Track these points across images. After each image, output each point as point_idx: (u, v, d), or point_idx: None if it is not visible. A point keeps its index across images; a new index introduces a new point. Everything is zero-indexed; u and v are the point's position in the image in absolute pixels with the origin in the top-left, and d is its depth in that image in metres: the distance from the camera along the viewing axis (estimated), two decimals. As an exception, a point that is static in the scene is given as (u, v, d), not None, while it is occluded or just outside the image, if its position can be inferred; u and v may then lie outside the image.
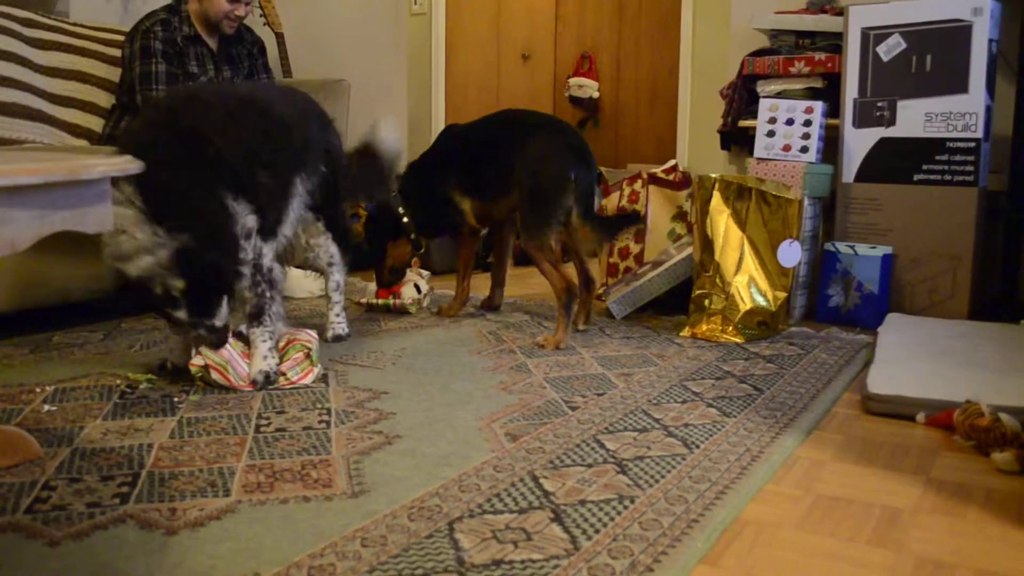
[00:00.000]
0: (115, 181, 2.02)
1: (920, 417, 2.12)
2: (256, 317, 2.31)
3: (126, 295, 2.11)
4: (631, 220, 3.08)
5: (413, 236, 3.19)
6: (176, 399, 2.16)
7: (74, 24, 3.54)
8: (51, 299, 2.85)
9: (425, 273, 3.41)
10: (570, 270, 2.88)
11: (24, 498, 1.58)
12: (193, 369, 2.24)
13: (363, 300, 3.33)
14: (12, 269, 2.69)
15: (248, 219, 2.23)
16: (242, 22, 3.55)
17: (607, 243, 3.12)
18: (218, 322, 2.16)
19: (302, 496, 1.60)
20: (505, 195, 2.93)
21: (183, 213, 2.07)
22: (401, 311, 3.24)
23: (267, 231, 2.33)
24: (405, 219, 3.16)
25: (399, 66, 4.84)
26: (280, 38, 4.37)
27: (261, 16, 4.53)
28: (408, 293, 3.27)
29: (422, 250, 3.28)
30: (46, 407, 2.09)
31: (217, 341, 2.19)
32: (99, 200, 1.57)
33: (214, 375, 2.23)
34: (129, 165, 1.64)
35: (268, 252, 2.35)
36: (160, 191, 2.05)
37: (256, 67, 3.55)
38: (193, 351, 2.25)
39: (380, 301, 3.25)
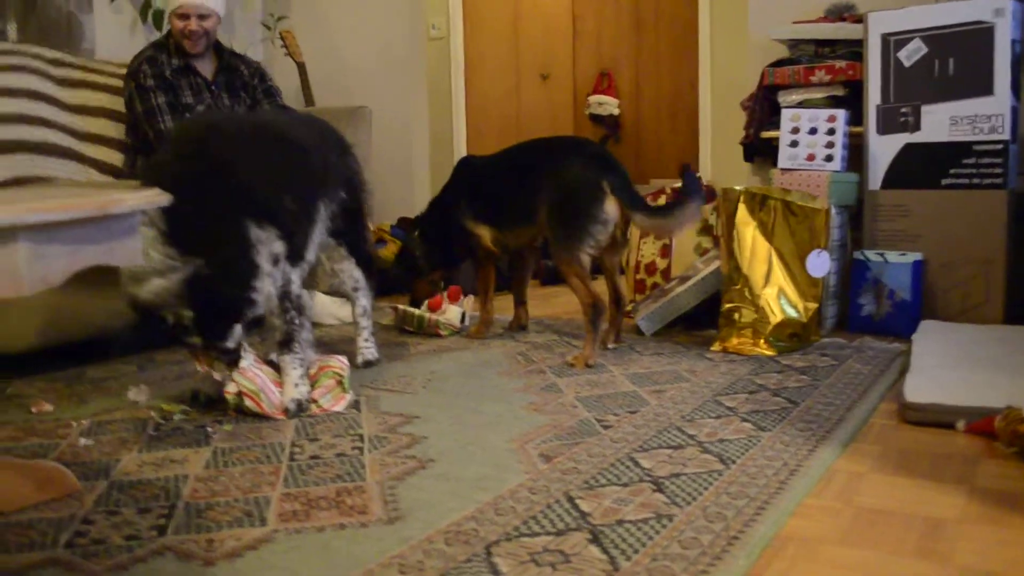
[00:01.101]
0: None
1: (960, 425, 2.08)
2: (286, 344, 2.32)
3: (140, 325, 2.12)
4: (689, 192, 2.74)
5: (430, 278, 3.29)
6: (210, 429, 2.17)
7: (100, 62, 3.59)
8: (85, 333, 2.88)
9: (465, 300, 3.43)
10: (600, 287, 2.87)
11: (63, 532, 1.58)
12: (228, 397, 2.25)
13: (398, 306, 3.35)
14: (46, 304, 2.72)
15: (275, 245, 2.25)
16: (240, 54, 3.56)
17: (675, 230, 2.93)
18: (230, 344, 2.17)
19: (338, 523, 1.60)
20: (526, 225, 2.94)
21: (200, 240, 2.09)
22: (432, 331, 3.25)
23: (294, 256, 2.35)
24: (420, 261, 3.26)
25: (419, 90, 4.87)
26: (301, 68, 4.42)
27: (282, 47, 4.59)
28: (453, 315, 3.29)
29: (442, 288, 3.34)
30: (82, 441, 2.10)
31: (228, 361, 2.21)
32: (128, 234, 1.58)
33: (247, 402, 2.25)
34: (158, 198, 1.65)
35: (296, 279, 2.37)
36: (183, 217, 2.06)
37: (257, 95, 3.53)
38: (226, 379, 2.26)
39: (430, 315, 3.25)
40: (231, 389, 2.25)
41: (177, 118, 3.23)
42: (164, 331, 2.12)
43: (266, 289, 2.26)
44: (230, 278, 2.13)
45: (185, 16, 3.28)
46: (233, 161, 2.24)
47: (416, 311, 3.28)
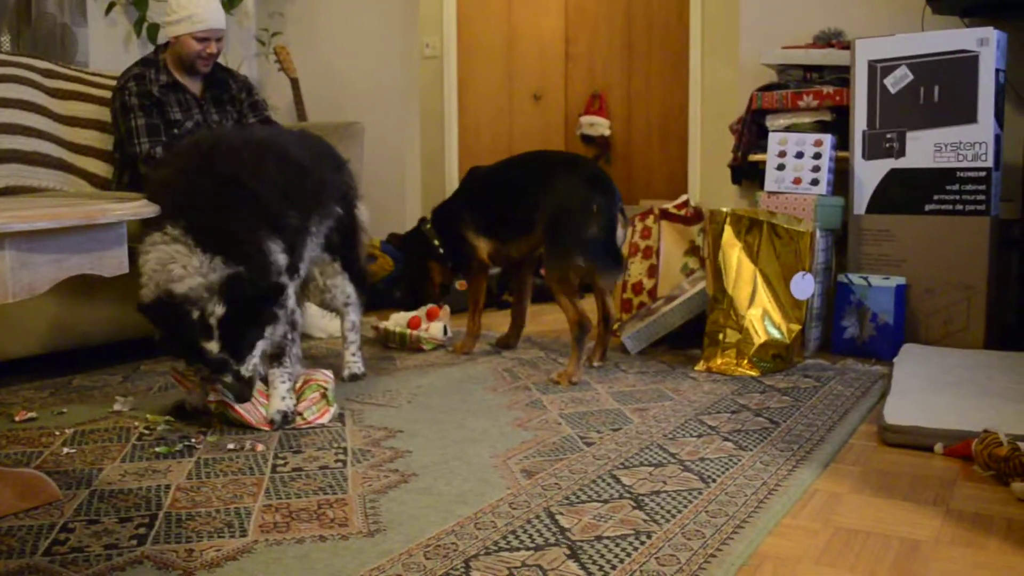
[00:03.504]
0: (156, 226, 2.08)
1: (938, 448, 2.10)
2: (277, 358, 2.34)
3: (158, 314, 2.10)
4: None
5: (450, 263, 3.25)
6: (193, 440, 2.18)
7: (93, 74, 3.60)
8: (72, 343, 2.89)
9: (442, 311, 3.44)
10: (589, 305, 2.89)
11: (43, 540, 1.59)
12: (212, 406, 2.26)
13: (380, 325, 3.36)
14: (35, 314, 2.73)
15: (280, 257, 2.28)
16: (228, 68, 3.57)
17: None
18: (245, 371, 2.15)
19: (318, 535, 1.61)
20: (526, 235, 2.95)
21: (235, 250, 2.13)
22: (415, 346, 3.26)
23: (291, 270, 2.37)
24: (440, 250, 3.21)
25: (412, 108, 4.90)
26: (295, 84, 4.45)
27: (276, 62, 4.61)
28: (436, 330, 3.29)
29: (458, 276, 3.33)
30: (65, 449, 2.10)
31: (239, 394, 2.18)
32: (115, 244, 1.60)
33: (231, 413, 2.25)
34: (144, 209, 1.67)
35: (291, 293, 2.39)
36: (210, 228, 2.12)
37: (243, 108, 3.53)
38: (208, 388, 2.28)
39: (411, 332, 3.26)
40: (213, 397, 2.26)
41: (156, 139, 3.22)
42: (184, 329, 2.09)
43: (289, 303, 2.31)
44: (264, 287, 2.16)
45: (205, 40, 3.28)
46: (240, 175, 2.28)
47: (397, 328, 3.29)
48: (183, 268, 2.07)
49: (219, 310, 2.07)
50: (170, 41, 3.31)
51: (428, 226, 3.26)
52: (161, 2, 4.25)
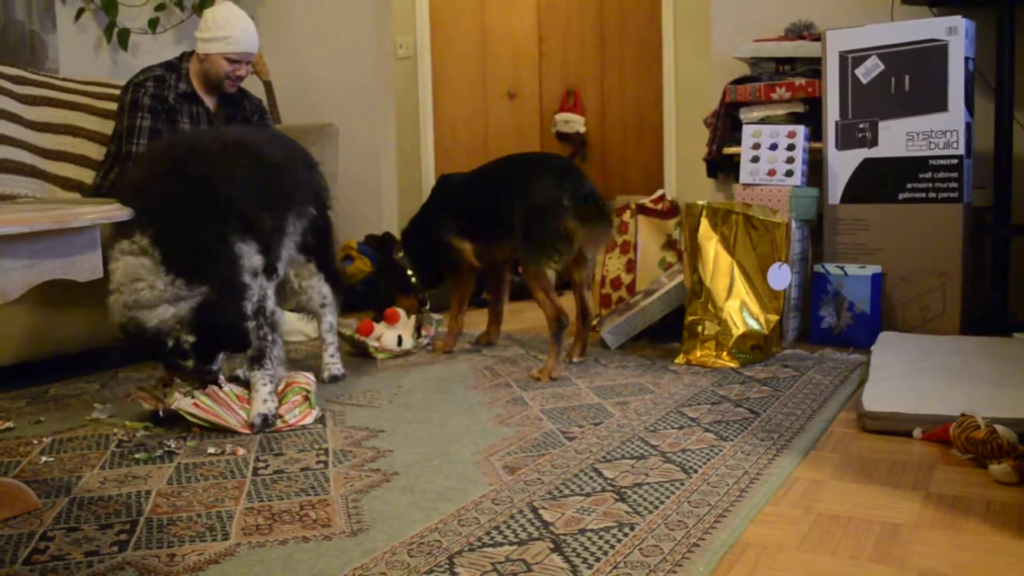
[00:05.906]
0: (126, 232, 2.07)
1: (916, 433, 2.12)
2: (257, 360, 2.32)
3: (134, 344, 2.15)
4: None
5: (421, 295, 3.28)
6: (173, 445, 2.16)
7: (64, 79, 3.57)
8: (48, 351, 2.86)
9: (437, 317, 3.42)
10: (569, 301, 2.90)
11: (22, 549, 1.57)
12: (185, 414, 2.25)
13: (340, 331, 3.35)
14: (10, 322, 2.70)
15: (255, 258, 2.29)
16: (244, 89, 3.54)
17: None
18: (215, 366, 2.23)
19: (301, 537, 1.60)
20: (509, 237, 2.95)
21: (202, 266, 2.14)
22: (361, 350, 3.23)
23: (269, 270, 2.37)
24: (413, 279, 3.23)
25: (387, 109, 4.89)
26: (268, 86, 4.42)
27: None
28: (388, 340, 3.26)
29: (427, 307, 3.33)
30: (43, 458, 2.08)
31: (210, 380, 2.26)
32: (89, 248, 1.59)
33: (204, 415, 2.25)
34: (117, 212, 1.66)
35: (271, 294, 2.39)
36: (178, 242, 2.12)
37: None
38: (178, 394, 2.28)
39: (359, 337, 3.24)
40: (185, 407, 2.24)
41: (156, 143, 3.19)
42: (160, 354, 2.17)
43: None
44: (231, 303, 2.18)
45: (237, 62, 3.26)
46: (214, 179, 2.27)
47: (347, 331, 3.27)
48: (150, 290, 2.08)
49: (191, 338, 2.13)
50: (198, 54, 3.28)
51: (400, 254, 3.27)
52: (131, 8, 4.24)
